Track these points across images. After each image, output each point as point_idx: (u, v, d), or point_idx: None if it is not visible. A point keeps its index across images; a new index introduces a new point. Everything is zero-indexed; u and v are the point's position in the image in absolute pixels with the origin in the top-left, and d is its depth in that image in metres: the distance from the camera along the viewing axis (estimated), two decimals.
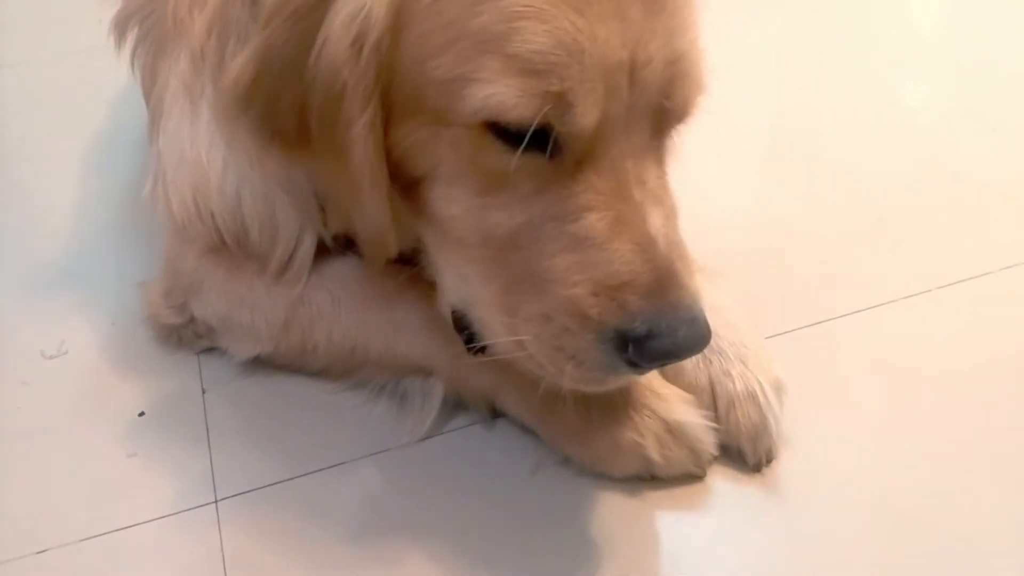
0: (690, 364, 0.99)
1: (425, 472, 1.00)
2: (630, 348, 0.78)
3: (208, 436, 1.06)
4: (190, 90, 1.03)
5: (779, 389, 0.98)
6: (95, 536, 0.97)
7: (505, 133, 0.77)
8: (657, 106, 0.80)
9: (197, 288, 1.09)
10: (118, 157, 1.52)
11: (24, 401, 1.12)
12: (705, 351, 0.97)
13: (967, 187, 1.39)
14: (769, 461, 0.99)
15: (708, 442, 0.96)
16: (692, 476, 0.97)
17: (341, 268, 1.06)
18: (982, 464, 0.99)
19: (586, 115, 0.76)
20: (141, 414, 1.09)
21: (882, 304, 1.17)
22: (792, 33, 1.90)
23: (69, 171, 1.50)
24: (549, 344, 0.81)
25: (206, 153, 1.01)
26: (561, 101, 0.74)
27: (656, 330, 0.77)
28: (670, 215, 0.82)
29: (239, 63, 0.85)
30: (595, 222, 0.78)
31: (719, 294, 1.04)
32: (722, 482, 0.98)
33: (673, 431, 0.95)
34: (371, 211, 0.86)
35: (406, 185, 0.87)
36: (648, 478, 0.97)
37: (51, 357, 1.17)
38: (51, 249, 1.35)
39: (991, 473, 0.99)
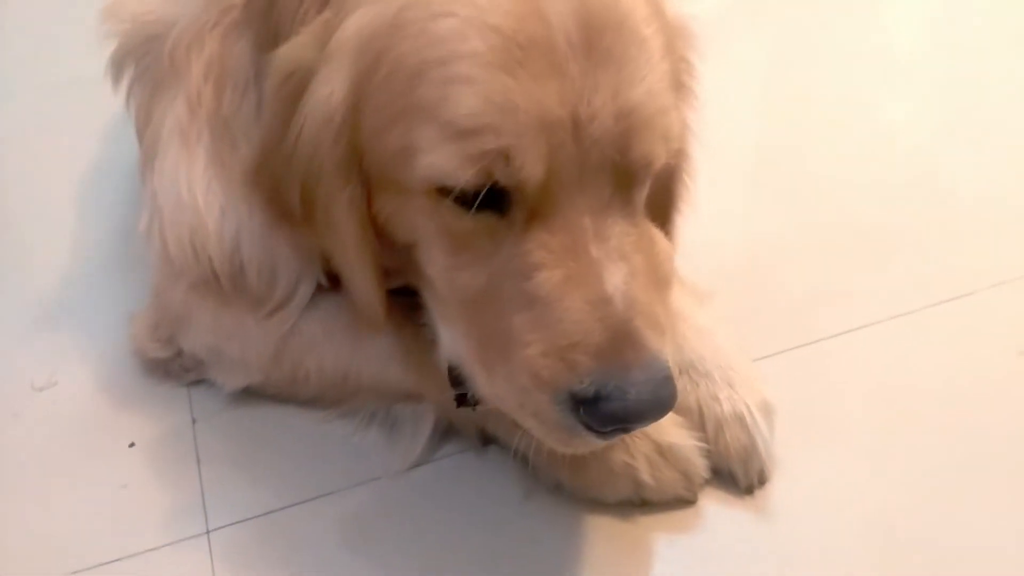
0: (678, 388, 0.99)
1: (417, 500, 1.00)
2: (581, 410, 0.77)
3: (199, 466, 1.06)
4: (185, 134, 1.04)
5: (767, 411, 0.99)
6: (87, 568, 0.97)
7: (456, 195, 0.78)
8: (614, 161, 0.79)
9: (185, 321, 1.09)
10: (109, 190, 1.52)
11: (14, 432, 1.12)
12: (693, 376, 0.99)
13: (952, 205, 1.40)
14: (762, 483, 0.99)
15: (699, 464, 0.97)
16: (683, 500, 0.97)
17: (334, 300, 1.06)
18: (973, 483, 0.99)
19: (526, 168, 0.76)
20: (132, 445, 1.08)
21: (871, 324, 1.18)
22: (776, 53, 1.92)
23: (60, 203, 1.50)
24: (514, 402, 0.82)
25: (203, 198, 1.02)
26: (499, 157, 0.75)
27: (603, 392, 0.75)
28: (637, 272, 0.80)
29: (249, 149, 0.92)
30: (545, 280, 0.78)
31: (706, 318, 1.05)
32: (714, 505, 0.98)
33: (664, 453, 0.96)
34: (360, 283, 0.89)
35: (401, 249, 0.90)
36: (639, 503, 0.97)
37: (41, 389, 1.16)
38: (42, 280, 1.35)
39: (982, 492, 0.99)
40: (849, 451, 1.03)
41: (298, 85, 0.84)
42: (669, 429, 0.96)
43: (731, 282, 1.24)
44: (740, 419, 0.97)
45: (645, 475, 0.95)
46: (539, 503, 0.99)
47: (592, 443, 0.81)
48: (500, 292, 0.80)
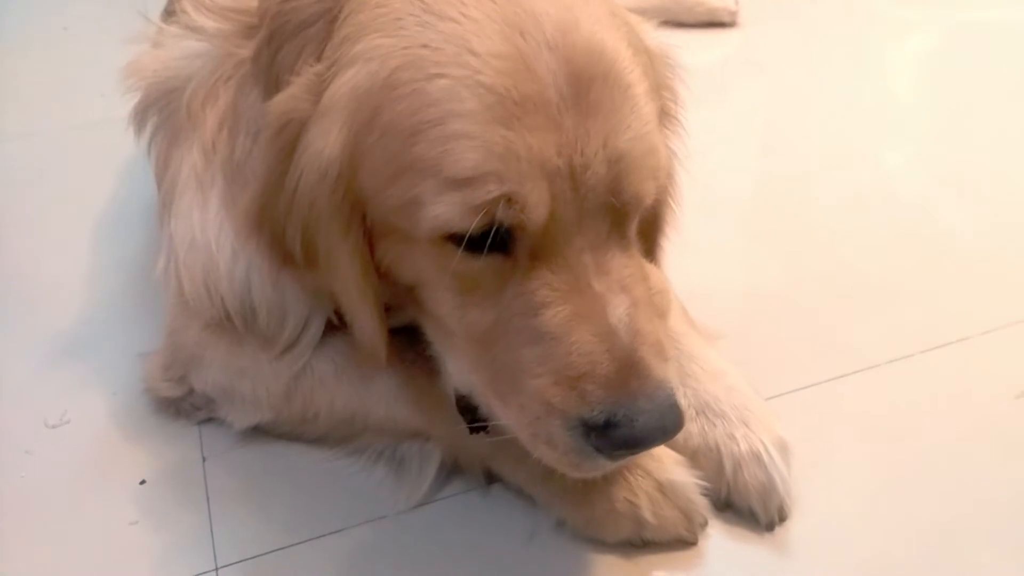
0: (695, 428, 1.01)
1: (422, 538, 1.02)
2: (592, 436, 0.81)
3: (208, 504, 1.07)
4: (200, 180, 1.08)
5: (784, 449, 1.00)
6: None
7: (461, 241, 0.82)
8: (609, 203, 0.83)
9: (198, 361, 1.12)
10: (123, 229, 1.55)
11: (27, 470, 1.13)
12: (709, 416, 1.02)
13: (949, 252, 1.42)
14: (782, 519, 1.00)
15: (700, 503, 0.98)
16: (683, 541, 0.98)
17: (345, 339, 1.08)
18: (973, 522, 1.01)
19: (529, 210, 0.80)
20: (143, 482, 1.10)
21: (870, 367, 1.20)
22: (776, 103, 1.96)
23: (75, 243, 1.54)
24: (526, 431, 0.85)
25: (215, 240, 1.05)
26: (503, 201, 0.79)
27: (613, 419, 0.79)
28: (639, 302, 0.84)
29: (248, 195, 0.94)
30: (552, 317, 0.82)
31: (719, 359, 1.08)
32: (716, 544, 0.99)
33: (666, 491, 0.97)
34: (364, 324, 0.93)
35: (404, 288, 0.93)
36: (640, 544, 0.98)
37: (54, 426, 1.18)
38: (55, 319, 1.37)
39: (984, 531, 1.00)
40: (849, 492, 1.04)
41: (292, 135, 0.87)
42: (670, 466, 0.98)
43: (734, 327, 1.26)
44: (757, 457, 0.98)
45: (647, 513, 0.96)
46: (543, 542, 1.00)
47: (602, 466, 0.84)
48: (508, 328, 0.84)
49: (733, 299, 1.35)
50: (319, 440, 1.10)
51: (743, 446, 0.99)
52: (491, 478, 1.05)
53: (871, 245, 1.45)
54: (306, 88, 0.87)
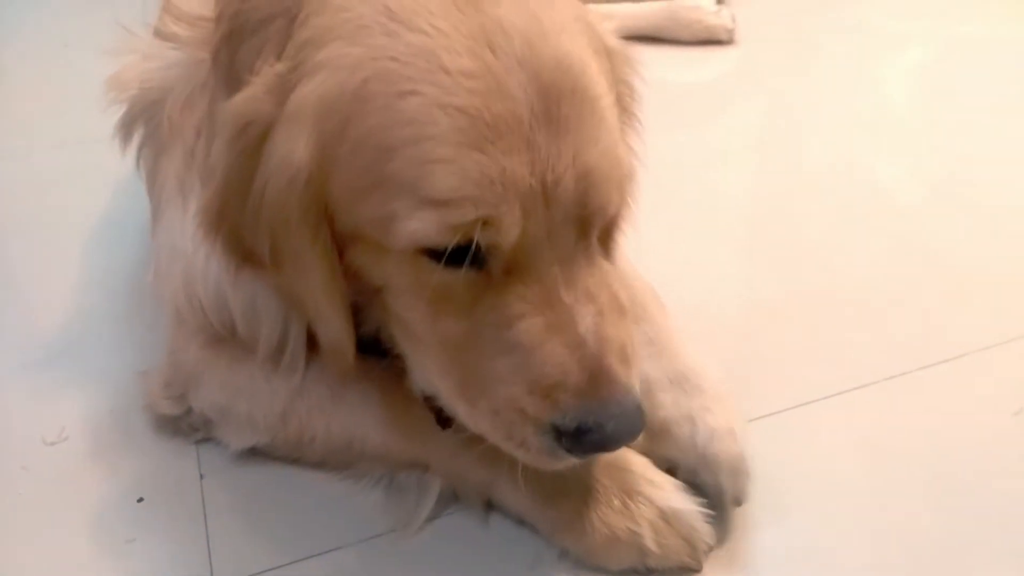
0: (669, 398, 1.02)
1: (422, 560, 1.01)
2: (563, 440, 0.85)
3: (206, 522, 1.07)
4: (182, 185, 1.09)
5: (745, 430, 1.02)
6: None
7: (437, 255, 0.84)
8: (576, 215, 0.86)
9: (197, 380, 1.12)
10: (122, 246, 1.55)
11: (24, 486, 1.13)
12: (686, 388, 1.03)
13: (944, 268, 1.43)
14: (744, 499, 1.01)
15: (704, 531, 0.97)
16: (688, 568, 0.97)
17: None
18: (967, 545, 1.00)
19: (503, 233, 0.82)
20: (140, 500, 1.10)
21: (863, 386, 1.20)
22: (770, 117, 1.97)
23: (70, 259, 1.54)
24: (500, 433, 0.89)
25: (191, 244, 1.06)
26: (478, 224, 0.81)
27: (585, 426, 0.84)
28: (603, 310, 0.87)
29: (208, 194, 0.93)
30: (525, 329, 0.85)
31: (687, 342, 1.10)
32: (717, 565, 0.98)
33: (668, 519, 0.96)
34: (330, 326, 0.94)
35: (373, 290, 0.94)
36: (645, 572, 0.97)
37: (52, 443, 1.18)
38: (52, 335, 1.38)
39: (978, 554, 1.00)
40: (841, 513, 1.04)
41: (254, 137, 0.87)
42: (672, 494, 0.97)
43: (723, 343, 1.27)
44: (732, 433, 0.99)
45: (650, 542, 0.95)
46: (546, 570, 0.99)
47: (571, 462, 0.89)
48: (481, 338, 0.87)
49: (727, 314, 1.35)
50: (317, 465, 1.09)
51: (720, 420, 1.00)
52: (490, 507, 1.04)
53: (868, 260, 1.46)
54: (267, 89, 0.87)
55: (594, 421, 0.84)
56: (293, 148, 0.85)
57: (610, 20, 1.04)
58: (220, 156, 0.91)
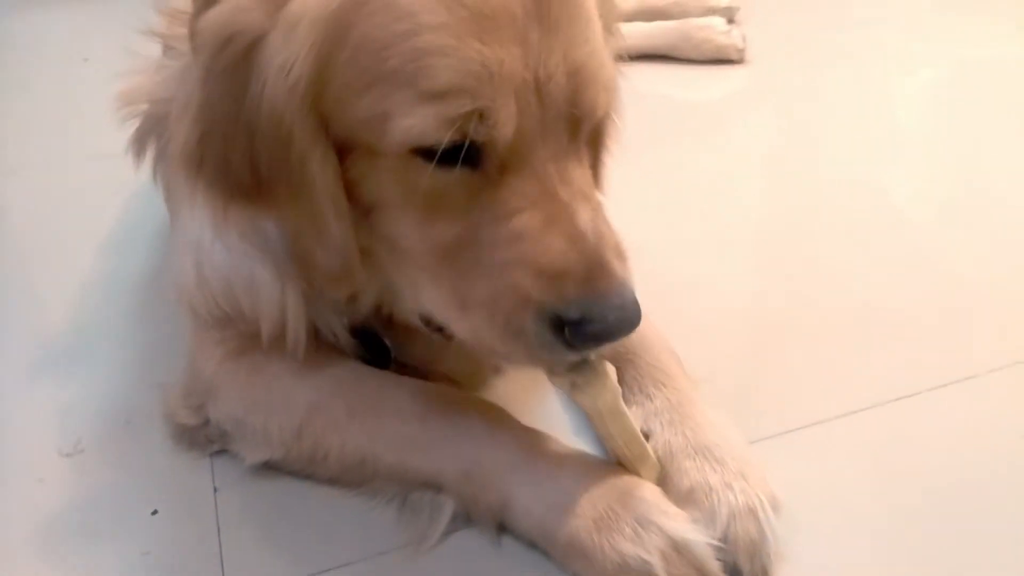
0: (692, 465, 1.01)
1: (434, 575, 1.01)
2: (566, 331, 0.87)
3: (219, 535, 1.08)
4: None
5: (776, 507, 0.99)
6: None
7: (431, 155, 0.85)
8: (568, 114, 0.89)
9: (216, 391, 1.13)
10: (139, 259, 1.57)
11: (40, 499, 1.14)
12: (709, 459, 1.01)
13: (956, 287, 1.43)
14: None
15: (714, 566, 0.95)
16: None
17: (358, 376, 1.11)
18: (977, 566, 1.00)
19: (498, 126, 0.84)
20: (154, 512, 1.11)
21: (873, 406, 1.20)
22: (782, 138, 1.98)
23: (86, 271, 1.56)
24: (498, 325, 0.90)
25: (200, 229, 1.09)
26: (475, 117, 0.83)
27: (588, 316, 0.86)
28: (597, 209, 0.91)
29: (184, 127, 0.92)
30: (527, 220, 0.88)
31: (712, 410, 1.09)
32: None
33: (680, 549, 0.95)
34: (337, 238, 0.93)
35: (360, 214, 0.95)
36: None
37: (68, 455, 1.19)
38: (68, 345, 1.40)
39: (989, 573, 1.00)
40: (850, 536, 1.04)
41: (242, 50, 0.87)
42: (684, 525, 0.95)
43: (731, 362, 1.28)
44: (753, 512, 0.97)
45: (660, 571, 0.93)
46: None
47: (563, 360, 0.92)
48: (479, 236, 0.89)
49: (735, 332, 1.36)
50: (330, 481, 1.10)
51: (741, 498, 0.98)
52: (502, 529, 1.03)
53: (877, 279, 1.46)
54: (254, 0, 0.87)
55: (598, 311, 0.86)
56: (294, 57, 0.85)
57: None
58: (197, 79, 0.90)
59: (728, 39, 2.18)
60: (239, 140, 0.90)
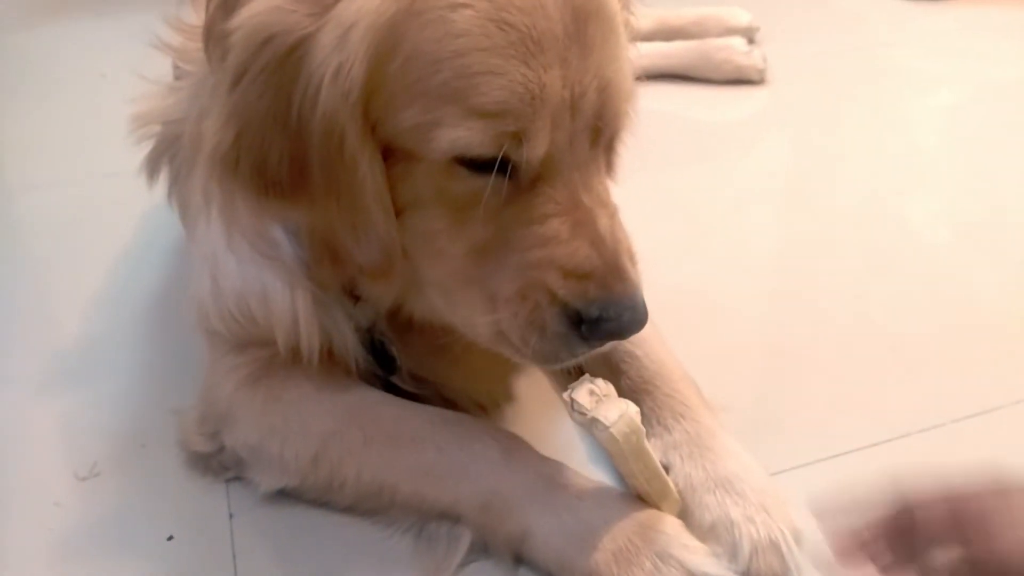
0: (713, 500, 1.01)
1: None
2: (583, 327, 0.93)
3: (235, 561, 1.07)
4: (206, 193, 1.11)
5: (799, 539, 0.99)
6: None
7: (470, 164, 0.90)
8: (594, 125, 0.94)
9: (232, 417, 1.12)
10: (148, 276, 1.58)
11: (56, 523, 1.14)
12: (730, 492, 1.01)
13: (977, 315, 1.42)
14: None
15: None
16: None
17: (375, 405, 1.11)
18: None
19: (538, 148, 0.90)
20: (170, 538, 1.10)
21: (896, 438, 1.19)
22: (802, 159, 1.96)
23: (106, 293, 1.56)
24: (523, 318, 0.94)
25: (214, 243, 1.10)
26: (516, 138, 0.88)
27: (606, 315, 0.92)
28: (613, 214, 0.97)
29: (216, 128, 0.93)
30: (558, 225, 0.93)
31: (733, 440, 1.09)
32: None
33: None
34: (383, 232, 0.95)
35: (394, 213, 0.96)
36: None
37: (84, 479, 1.19)
38: (84, 367, 1.39)
39: None
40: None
41: (284, 51, 0.87)
42: (704, 559, 0.95)
43: (751, 391, 1.27)
44: (776, 546, 0.97)
45: None
46: None
47: (576, 354, 0.96)
48: (510, 237, 0.94)
49: (754, 360, 1.35)
50: (347, 509, 1.09)
51: (763, 532, 0.98)
52: (519, 560, 1.03)
53: (899, 306, 1.45)
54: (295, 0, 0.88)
55: (614, 311, 0.92)
56: (348, 61, 0.87)
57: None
58: (226, 80, 0.91)
59: (748, 60, 2.16)
60: (280, 138, 0.91)
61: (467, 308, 0.99)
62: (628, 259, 0.96)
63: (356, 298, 1.10)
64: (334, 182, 0.92)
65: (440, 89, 0.87)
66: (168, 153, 1.28)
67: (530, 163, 0.91)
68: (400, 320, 1.12)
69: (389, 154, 0.93)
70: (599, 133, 0.95)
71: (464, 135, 0.87)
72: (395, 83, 0.89)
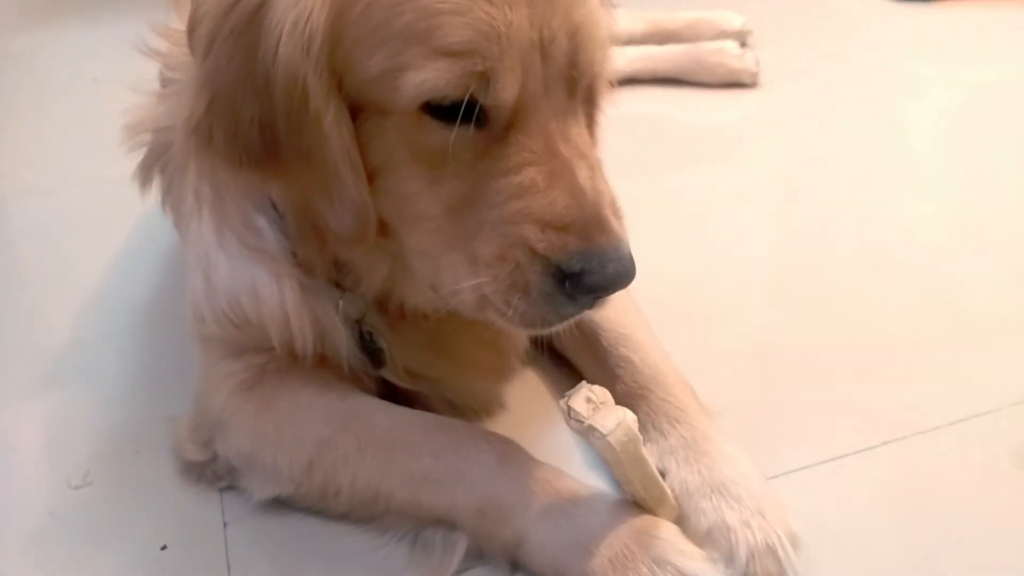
0: (709, 505, 1.01)
1: None
2: (567, 283, 0.90)
3: (229, 571, 1.06)
4: (197, 195, 1.11)
5: (795, 543, 0.99)
6: None
7: (439, 112, 0.88)
8: (567, 74, 0.92)
9: (224, 425, 1.12)
10: (142, 282, 1.57)
11: (51, 532, 1.13)
12: (726, 497, 1.00)
13: (970, 318, 1.42)
14: None
15: None
16: None
17: (368, 411, 1.10)
18: None
19: (506, 89, 0.87)
20: (164, 548, 1.10)
21: (891, 441, 1.18)
22: (795, 162, 1.97)
23: (100, 299, 1.55)
24: (504, 281, 0.92)
25: (205, 242, 1.10)
26: (484, 79, 0.86)
27: (588, 267, 0.90)
28: (594, 167, 0.94)
29: (191, 98, 0.93)
30: (534, 174, 0.91)
31: (729, 444, 1.09)
32: None
33: None
34: (353, 193, 0.94)
35: (367, 178, 0.95)
36: None
37: (77, 487, 1.18)
38: (77, 373, 1.39)
39: None
40: (869, 573, 1.02)
41: (249, 11, 0.88)
42: (701, 564, 0.95)
43: (747, 394, 1.26)
44: (772, 551, 0.97)
45: None
46: None
47: (564, 315, 0.94)
48: (487, 190, 0.92)
49: (748, 363, 1.35)
50: (341, 517, 1.09)
51: (759, 536, 0.98)
52: (515, 566, 1.02)
53: (893, 308, 1.45)
54: None
55: (597, 263, 0.89)
56: (307, 11, 0.86)
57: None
58: (202, 47, 0.91)
59: (741, 63, 2.17)
60: (249, 101, 0.90)
61: (450, 273, 0.97)
62: (611, 211, 0.93)
63: (344, 289, 1.09)
64: (301, 141, 0.91)
65: (403, 32, 0.86)
66: (160, 161, 1.28)
67: (500, 107, 0.89)
68: (392, 311, 1.12)
69: (357, 113, 0.92)
70: (575, 83, 0.94)
71: (431, 76, 0.85)
72: (357, 30, 0.88)
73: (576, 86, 0.94)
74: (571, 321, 0.97)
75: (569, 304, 0.92)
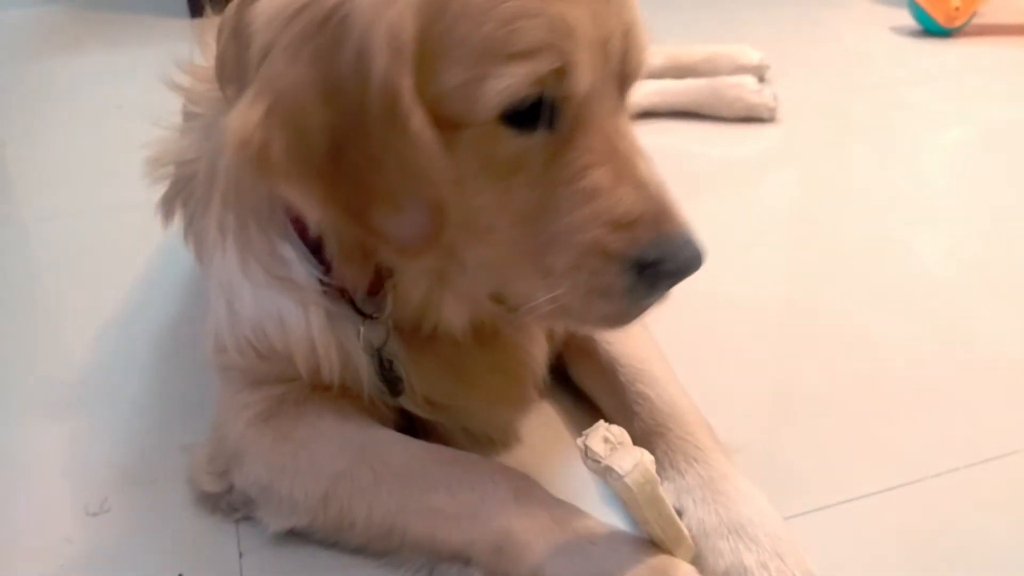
0: (727, 546, 1.00)
1: None
2: (645, 275, 0.93)
3: None
4: (221, 225, 1.11)
5: None
6: None
7: (515, 119, 0.90)
8: (619, 71, 0.95)
9: (241, 456, 1.12)
10: (162, 309, 1.58)
11: (67, 559, 1.13)
12: (743, 538, 1.00)
13: (990, 356, 1.41)
14: None
15: None
16: None
17: (385, 443, 1.10)
18: None
19: (581, 81, 0.90)
20: None
21: (909, 483, 1.17)
22: (811, 196, 1.97)
23: (118, 326, 1.56)
24: (582, 289, 0.94)
25: (229, 271, 1.10)
26: (560, 74, 0.89)
27: (664, 255, 0.92)
28: (648, 159, 0.97)
29: (242, 109, 0.88)
30: (600, 176, 0.93)
31: (747, 483, 1.08)
32: None
33: None
34: (435, 191, 0.91)
35: None
36: None
37: (94, 514, 1.19)
38: (96, 403, 1.39)
39: None
40: None
41: (322, 19, 0.86)
42: None
43: (761, 435, 1.25)
44: None
45: None
46: None
47: (646, 304, 0.96)
48: (557, 196, 0.94)
49: (762, 403, 1.34)
50: (357, 549, 1.08)
51: None
52: None
53: (911, 346, 1.44)
54: None
55: (670, 251, 0.92)
56: (395, 21, 0.86)
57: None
58: (256, 59, 0.89)
59: (760, 98, 2.18)
60: (319, 106, 0.87)
61: (523, 286, 0.98)
62: (672, 200, 0.96)
63: (366, 316, 1.09)
64: (376, 145, 0.88)
65: (484, 42, 0.87)
66: (183, 194, 1.30)
67: (569, 105, 0.91)
68: (411, 337, 1.11)
69: (436, 122, 0.90)
70: (624, 81, 0.97)
71: (512, 82, 0.87)
72: (440, 42, 0.88)
73: (626, 84, 0.97)
74: (648, 311, 0.99)
75: (648, 293, 0.95)
